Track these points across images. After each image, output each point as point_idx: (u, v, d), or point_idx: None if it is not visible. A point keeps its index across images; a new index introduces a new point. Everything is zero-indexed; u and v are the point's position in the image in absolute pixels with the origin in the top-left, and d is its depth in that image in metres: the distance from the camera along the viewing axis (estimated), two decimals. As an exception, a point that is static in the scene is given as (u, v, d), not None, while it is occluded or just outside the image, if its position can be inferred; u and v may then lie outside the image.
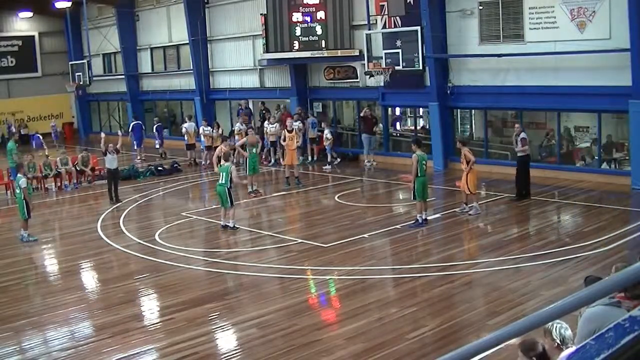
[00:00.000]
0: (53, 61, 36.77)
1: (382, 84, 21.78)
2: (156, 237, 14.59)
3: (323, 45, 23.58)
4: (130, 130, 27.76)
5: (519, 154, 16.25)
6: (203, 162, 24.40)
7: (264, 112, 25.51)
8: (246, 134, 20.39)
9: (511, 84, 19.19)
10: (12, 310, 10.54)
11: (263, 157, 23.24)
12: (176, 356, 8.47)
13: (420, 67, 20.01)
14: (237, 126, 23.82)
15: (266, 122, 23.63)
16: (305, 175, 21.24)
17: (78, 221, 17.17)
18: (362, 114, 22.76)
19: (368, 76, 21.82)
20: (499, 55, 18.89)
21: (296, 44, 23.93)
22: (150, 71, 32.67)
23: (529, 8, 18.43)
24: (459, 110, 21.61)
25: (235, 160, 20.95)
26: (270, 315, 9.67)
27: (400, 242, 13.26)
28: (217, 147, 18.98)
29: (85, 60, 30.34)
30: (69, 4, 30.74)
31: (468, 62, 20.33)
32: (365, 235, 13.74)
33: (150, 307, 10.83)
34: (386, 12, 21.45)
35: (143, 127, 27.97)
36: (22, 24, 36.55)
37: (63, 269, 13.12)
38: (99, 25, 33.37)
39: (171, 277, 11.81)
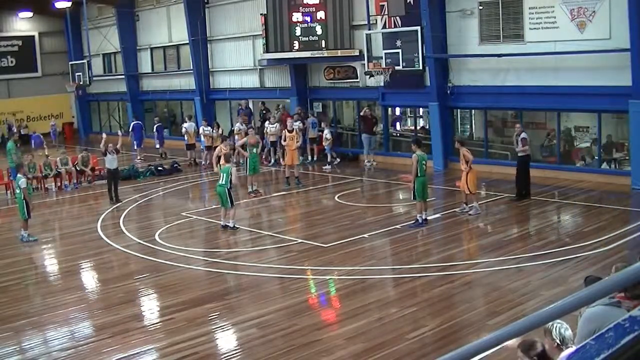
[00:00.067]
0: (53, 61, 36.77)
1: (382, 84, 21.78)
2: (156, 237, 14.59)
3: (323, 45, 23.57)
4: (130, 130, 27.79)
5: (519, 154, 16.25)
6: (203, 162, 24.40)
7: (264, 112, 25.51)
8: (246, 134, 20.38)
9: (511, 84, 19.18)
10: (12, 310, 10.53)
11: (263, 157, 23.25)
12: (176, 356, 8.47)
13: (420, 67, 20.01)
14: (237, 126, 23.81)
15: (267, 122, 23.63)
16: (305, 175, 21.23)
17: (78, 221, 17.17)
18: (362, 114, 22.77)
19: (368, 76, 21.81)
20: (499, 55, 18.89)
21: (296, 44, 23.93)
22: (150, 71, 32.67)
23: (529, 8, 18.43)
24: (459, 110, 21.61)
25: (235, 160, 20.99)
26: (270, 315, 9.67)
27: (400, 242, 13.26)
28: (217, 147, 18.99)
29: (85, 60, 30.34)
30: (69, 4, 30.73)
31: (468, 62, 20.33)
32: (365, 235, 13.74)
33: (150, 307, 10.83)
34: (386, 12, 21.44)
35: (143, 127, 27.99)
36: (22, 24, 36.54)
37: (63, 269, 13.12)
38: (99, 25, 33.37)
39: (171, 277, 11.81)
